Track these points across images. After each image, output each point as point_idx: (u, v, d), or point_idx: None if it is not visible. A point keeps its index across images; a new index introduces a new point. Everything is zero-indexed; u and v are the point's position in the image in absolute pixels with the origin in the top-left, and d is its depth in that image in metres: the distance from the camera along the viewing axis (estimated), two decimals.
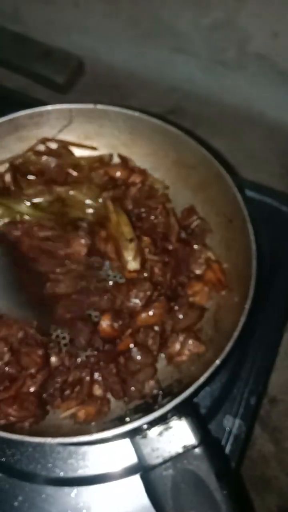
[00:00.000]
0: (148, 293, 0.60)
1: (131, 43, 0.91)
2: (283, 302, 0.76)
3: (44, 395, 0.58)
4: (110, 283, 0.66)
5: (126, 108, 0.71)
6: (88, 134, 0.75)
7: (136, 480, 0.62)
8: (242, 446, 0.68)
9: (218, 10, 0.81)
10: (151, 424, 0.50)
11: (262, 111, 0.92)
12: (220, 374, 0.69)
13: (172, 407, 0.49)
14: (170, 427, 0.50)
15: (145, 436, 0.50)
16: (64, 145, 0.75)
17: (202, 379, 0.50)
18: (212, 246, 0.69)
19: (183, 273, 0.66)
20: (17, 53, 0.94)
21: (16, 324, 0.59)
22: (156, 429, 0.50)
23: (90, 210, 0.69)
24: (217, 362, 0.51)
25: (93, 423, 0.56)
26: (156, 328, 0.61)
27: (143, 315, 0.60)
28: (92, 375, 0.58)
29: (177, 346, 0.59)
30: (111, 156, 0.75)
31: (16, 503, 0.63)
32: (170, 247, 0.67)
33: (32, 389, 0.55)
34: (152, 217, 0.69)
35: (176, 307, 0.63)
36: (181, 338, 0.60)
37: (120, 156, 0.75)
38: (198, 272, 0.66)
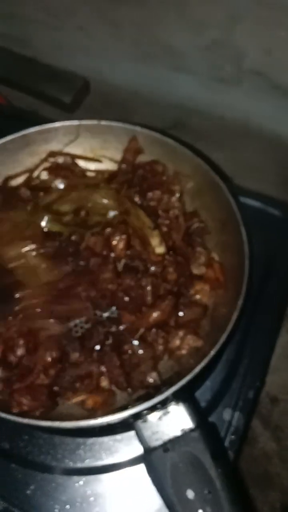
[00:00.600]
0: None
1: (134, 63, 0.94)
2: (278, 302, 0.78)
3: (55, 388, 0.60)
4: None
5: (128, 123, 0.75)
6: (93, 148, 0.79)
7: (140, 470, 0.65)
8: (241, 437, 0.70)
9: (214, 30, 0.83)
10: (151, 409, 0.53)
11: (259, 124, 0.94)
12: (219, 370, 0.72)
13: (170, 393, 0.51)
14: (169, 412, 0.53)
15: (145, 421, 0.53)
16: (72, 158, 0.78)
17: (198, 369, 0.53)
18: (209, 248, 0.72)
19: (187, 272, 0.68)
20: (26, 75, 0.98)
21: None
22: (156, 414, 0.53)
23: (112, 213, 0.72)
24: (212, 352, 0.54)
25: (99, 411, 0.58)
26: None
27: (154, 314, 0.63)
28: (99, 368, 0.60)
29: (177, 341, 0.62)
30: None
31: (28, 492, 0.66)
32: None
33: (45, 382, 0.58)
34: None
35: (182, 307, 0.65)
36: (181, 333, 0.62)
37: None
38: (197, 272, 0.68)
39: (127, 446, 0.66)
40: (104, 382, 0.60)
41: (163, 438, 0.52)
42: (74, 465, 0.66)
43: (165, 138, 0.73)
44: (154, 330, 0.63)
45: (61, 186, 0.75)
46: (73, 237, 0.68)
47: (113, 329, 0.63)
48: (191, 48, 0.88)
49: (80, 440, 0.67)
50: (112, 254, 0.66)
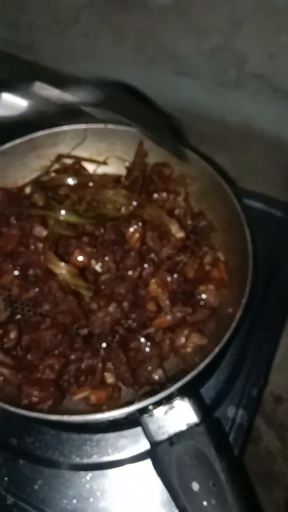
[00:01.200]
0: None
1: (137, 69, 0.95)
2: (281, 302, 0.79)
3: (61, 382, 0.61)
4: None
5: (133, 127, 0.75)
6: (100, 151, 0.80)
7: (146, 465, 0.66)
8: (245, 434, 0.71)
9: (217, 35, 0.84)
10: (157, 404, 0.53)
11: (262, 127, 0.95)
12: (223, 368, 0.73)
13: (176, 388, 0.52)
14: (174, 407, 0.53)
15: (151, 415, 0.54)
16: (78, 161, 0.79)
17: (202, 365, 0.54)
18: (215, 247, 0.73)
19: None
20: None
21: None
22: (162, 409, 0.54)
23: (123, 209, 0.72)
24: (216, 349, 0.55)
25: (104, 407, 0.59)
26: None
27: (163, 320, 0.64)
28: (104, 364, 0.61)
29: (182, 339, 0.63)
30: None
31: (36, 487, 0.66)
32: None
33: (51, 377, 0.59)
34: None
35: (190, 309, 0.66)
36: (186, 332, 0.63)
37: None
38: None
39: (133, 442, 0.67)
40: (110, 379, 0.61)
41: (168, 432, 0.53)
42: (81, 460, 0.67)
43: None
44: (161, 330, 0.64)
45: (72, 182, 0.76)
46: (87, 226, 0.69)
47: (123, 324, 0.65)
48: (194, 53, 0.89)
49: (87, 436, 0.68)
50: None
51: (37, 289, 0.67)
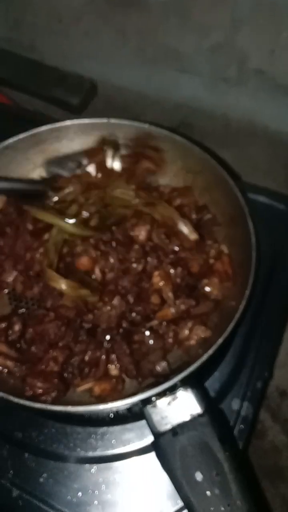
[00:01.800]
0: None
1: (139, 66, 0.96)
2: (284, 294, 0.78)
3: (65, 374, 0.61)
4: None
5: (137, 121, 0.75)
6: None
7: (151, 458, 0.66)
8: (250, 426, 0.70)
9: (218, 32, 0.85)
10: (160, 395, 0.53)
11: (264, 123, 0.95)
12: (227, 361, 0.72)
13: (179, 379, 0.52)
14: (178, 398, 0.53)
15: (155, 406, 0.53)
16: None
17: (205, 356, 0.53)
18: (219, 241, 0.72)
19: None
20: (35, 79, 1.00)
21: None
22: (165, 400, 0.53)
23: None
24: (220, 341, 0.54)
25: (108, 399, 0.59)
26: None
27: (167, 312, 0.64)
28: (108, 356, 0.61)
29: (186, 332, 0.62)
30: None
31: (41, 480, 0.66)
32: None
33: (55, 369, 0.59)
34: None
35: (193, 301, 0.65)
36: (189, 324, 0.62)
37: None
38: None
39: (137, 435, 0.66)
40: (114, 371, 0.61)
41: (172, 422, 0.52)
42: (86, 453, 0.66)
43: (173, 135, 0.74)
44: (165, 323, 0.63)
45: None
46: None
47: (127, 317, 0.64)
48: (195, 51, 0.89)
49: (91, 429, 0.67)
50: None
51: (41, 284, 0.66)
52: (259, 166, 0.98)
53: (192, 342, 0.62)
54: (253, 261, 0.61)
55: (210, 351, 0.53)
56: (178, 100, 0.95)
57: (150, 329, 0.62)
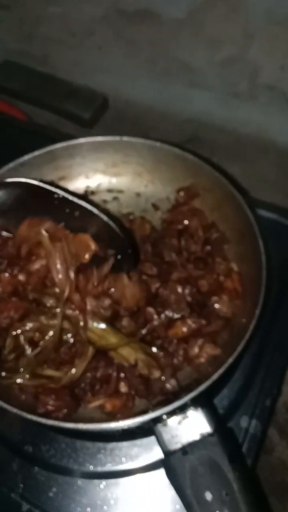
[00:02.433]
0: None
1: (150, 80, 0.98)
2: None
3: (76, 390, 0.62)
4: None
5: (149, 139, 0.77)
6: (115, 163, 0.82)
7: (160, 475, 0.66)
8: (258, 444, 0.71)
9: (229, 47, 0.87)
10: (171, 413, 0.54)
11: (273, 138, 0.96)
12: (237, 378, 0.73)
13: (189, 399, 0.53)
14: (188, 417, 0.54)
15: (165, 425, 0.54)
16: None
17: (216, 375, 0.54)
18: (229, 258, 0.73)
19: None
20: (47, 92, 1.02)
21: None
22: (176, 419, 0.54)
23: None
24: (230, 360, 0.55)
25: (118, 415, 0.60)
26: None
27: (178, 331, 0.65)
28: (118, 373, 0.62)
29: (196, 350, 0.63)
30: None
31: (51, 494, 0.67)
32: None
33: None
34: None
35: (203, 320, 0.66)
36: (199, 342, 0.63)
37: None
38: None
39: (146, 451, 0.67)
40: (124, 388, 0.62)
41: (182, 441, 0.54)
42: (95, 469, 0.67)
43: (185, 154, 0.76)
44: (175, 341, 0.64)
45: None
46: None
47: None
48: (206, 65, 0.91)
49: (100, 444, 0.68)
50: None
51: None
52: (269, 180, 1.00)
53: (202, 360, 0.63)
54: (263, 280, 0.62)
55: (221, 371, 0.55)
56: (188, 114, 0.97)
57: (160, 347, 0.64)
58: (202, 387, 0.54)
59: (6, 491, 0.68)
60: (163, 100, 0.98)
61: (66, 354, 0.64)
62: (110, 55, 0.97)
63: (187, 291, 0.66)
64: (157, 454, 0.66)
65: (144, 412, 0.54)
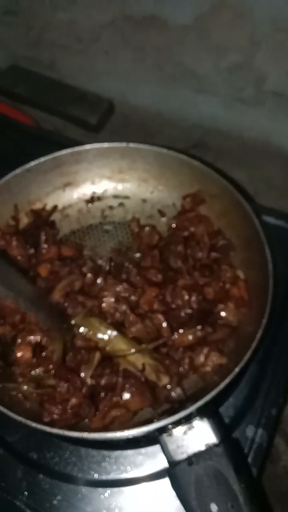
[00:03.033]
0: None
1: (157, 86, 0.98)
2: None
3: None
4: None
5: (156, 146, 0.78)
6: (121, 169, 0.83)
7: (164, 484, 0.67)
8: (264, 454, 0.71)
9: (236, 53, 0.87)
10: (176, 423, 0.54)
11: (279, 144, 0.96)
12: (242, 387, 0.73)
13: (195, 408, 0.53)
14: (194, 427, 0.54)
15: (170, 434, 0.55)
16: None
17: (222, 385, 0.55)
18: (235, 266, 0.74)
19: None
20: (53, 98, 1.03)
21: None
22: (181, 428, 0.55)
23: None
24: (236, 370, 0.56)
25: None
26: None
27: (184, 338, 0.65)
28: (124, 382, 0.62)
29: (202, 358, 0.64)
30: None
31: (55, 502, 0.67)
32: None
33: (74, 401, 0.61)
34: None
35: (209, 328, 0.66)
36: (205, 351, 0.64)
37: None
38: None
39: (151, 460, 0.68)
40: (127, 396, 0.62)
41: (187, 452, 0.54)
42: (100, 477, 0.68)
43: (191, 160, 0.76)
44: (181, 349, 0.65)
45: None
46: None
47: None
48: (213, 71, 0.91)
49: (105, 452, 0.69)
50: None
51: None
52: (274, 186, 1.00)
53: (208, 368, 0.63)
54: (270, 289, 0.62)
55: (227, 380, 0.55)
56: (194, 120, 0.97)
57: (166, 354, 0.64)
58: (208, 397, 0.54)
59: (10, 498, 0.68)
60: (169, 105, 0.98)
61: (71, 361, 0.64)
62: (117, 61, 0.98)
63: (193, 298, 0.66)
64: (162, 462, 0.66)
65: (149, 421, 0.54)
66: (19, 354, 0.64)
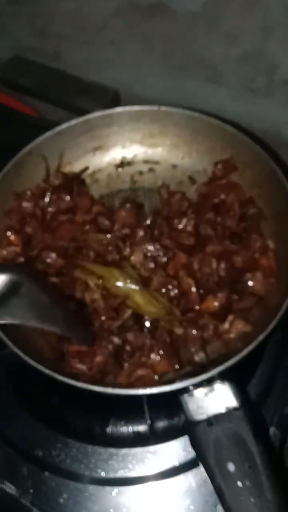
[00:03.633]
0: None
1: (164, 76, 1.06)
2: None
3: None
4: None
5: (187, 109, 0.85)
6: (152, 133, 0.90)
7: (173, 483, 0.72)
8: (278, 453, 0.76)
9: (246, 42, 0.94)
10: (198, 385, 0.60)
11: None
12: (255, 384, 0.78)
13: (217, 372, 0.59)
14: (215, 390, 0.60)
15: (191, 395, 0.60)
16: None
17: (245, 352, 0.60)
18: (265, 235, 0.78)
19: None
20: (58, 89, 1.12)
21: None
22: (202, 390, 0.60)
23: None
24: (260, 337, 0.61)
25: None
26: None
27: (210, 304, 0.71)
28: (151, 341, 0.68)
29: (226, 325, 0.69)
30: None
31: (61, 500, 0.72)
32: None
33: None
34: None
35: (236, 296, 0.72)
36: (230, 318, 0.69)
37: None
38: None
39: (159, 459, 0.73)
40: (154, 356, 0.68)
41: (207, 413, 0.59)
42: (107, 475, 0.72)
43: (224, 125, 0.83)
44: (206, 315, 0.70)
45: None
46: None
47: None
48: (223, 60, 0.99)
49: (112, 450, 0.74)
50: None
51: None
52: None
53: (232, 335, 0.68)
54: None
55: (250, 347, 0.60)
56: (204, 110, 1.05)
57: (192, 320, 0.70)
58: (230, 362, 0.59)
59: (16, 496, 0.72)
60: (177, 96, 1.05)
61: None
62: (123, 50, 1.06)
63: (222, 266, 0.72)
64: (170, 461, 0.72)
65: (171, 381, 0.60)
66: None
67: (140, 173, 0.91)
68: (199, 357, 0.66)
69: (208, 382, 0.60)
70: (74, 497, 0.73)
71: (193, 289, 0.72)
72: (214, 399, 0.60)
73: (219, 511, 0.66)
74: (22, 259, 0.78)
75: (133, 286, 0.72)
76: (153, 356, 0.68)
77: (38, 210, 0.82)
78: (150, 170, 0.91)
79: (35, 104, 1.19)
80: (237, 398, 0.60)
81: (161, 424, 0.76)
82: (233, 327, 0.68)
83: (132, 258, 0.76)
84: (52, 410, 0.80)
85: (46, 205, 0.83)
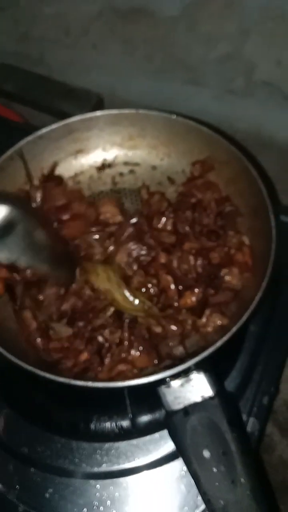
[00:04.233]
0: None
1: (146, 78, 1.08)
2: None
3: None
4: None
5: (164, 112, 0.88)
6: (132, 136, 0.92)
7: (156, 474, 0.75)
8: (257, 442, 0.79)
9: (225, 43, 0.96)
10: (175, 376, 0.62)
11: (271, 134, 1.05)
12: (234, 376, 0.82)
13: (193, 363, 0.61)
14: (191, 380, 0.62)
15: (169, 386, 0.62)
16: None
17: (220, 342, 0.63)
18: (241, 232, 0.81)
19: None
20: (41, 93, 1.14)
21: None
22: (179, 381, 0.62)
23: None
24: (234, 329, 0.63)
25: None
26: None
27: (188, 300, 0.74)
28: (130, 338, 0.71)
29: (204, 319, 0.72)
30: None
31: (47, 495, 0.74)
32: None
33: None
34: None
35: (212, 290, 0.75)
36: (207, 312, 0.72)
37: None
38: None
39: (143, 452, 0.75)
40: (133, 352, 0.71)
41: (184, 402, 0.61)
42: (91, 469, 0.75)
43: (200, 126, 0.86)
44: (185, 310, 0.73)
45: None
46: None
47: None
48: (202, 62, 1.01)
49: (96, 444, 0.76)
50: None
51: None
52: (266, 175, 1.10)
53: (209, 329, 0.71)
54: (272, 253, 0.69)
55: (225, 338, 0.63)
56: (185, 112, 1.06)
57: (170, 316, 0.72)
58: (205, 353, 0.62)
59: (2, 492, 0.74)
60: (159, 98, 1.07)
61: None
62: (105, 54, 1.08)
63: (199, 262, 0.75)
64: (153, 454, 0.75)
65: (150, 374, 0.62)
66: None
67: (121, 174, 0.94)
68: (178, 351, 0.69)
69: (185, 373, 0.62)
70: (59, 491, 0.75)
71: (172, 286, 0.74)
72: (191, 390, 0.62)
73: (199, 500, 0.69)
74: None
75: (114, 284, 0.75)
76: (133, 352, 0.70)
77: None
78: (131, 171, 0.94)
79: (19, 109, 1.21)
80: (212, 387, 0.62)
81: (143, 418, 0.78)
82: (210, 320, 0.71)
83: (117, 257, 0.79)
84: (37, 408, 0.81)
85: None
